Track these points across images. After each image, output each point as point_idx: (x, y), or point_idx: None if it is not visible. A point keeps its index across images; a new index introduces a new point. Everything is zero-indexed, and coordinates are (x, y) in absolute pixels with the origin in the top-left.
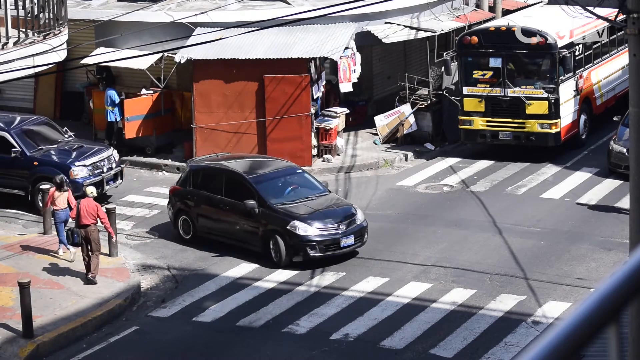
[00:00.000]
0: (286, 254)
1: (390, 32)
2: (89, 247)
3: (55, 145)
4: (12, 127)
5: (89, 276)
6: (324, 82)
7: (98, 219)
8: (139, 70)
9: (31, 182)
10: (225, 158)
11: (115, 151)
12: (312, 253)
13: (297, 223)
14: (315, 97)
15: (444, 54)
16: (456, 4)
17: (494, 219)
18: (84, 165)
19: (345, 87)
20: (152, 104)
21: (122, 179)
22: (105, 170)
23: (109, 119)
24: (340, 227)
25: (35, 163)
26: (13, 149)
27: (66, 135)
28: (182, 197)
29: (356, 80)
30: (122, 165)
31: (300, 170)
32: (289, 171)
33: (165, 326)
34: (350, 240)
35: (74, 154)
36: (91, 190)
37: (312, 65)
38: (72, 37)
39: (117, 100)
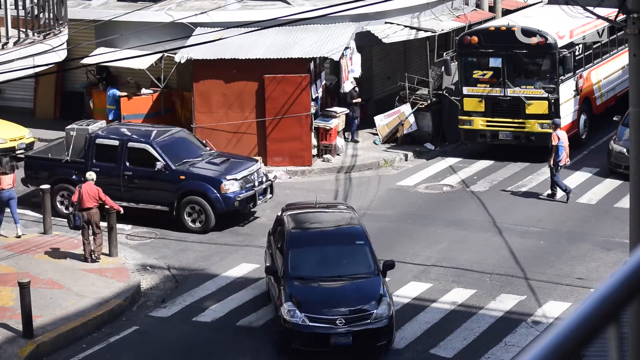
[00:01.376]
0: None
1: (390, 32)
2: (91, 230)
3: (200, 158)
4: (153, 139)
5: (94, 256)
6: (324, 83)
7: (100, 202)
8: (139, 70)
9: (177, 197)
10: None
11: (263, 164)
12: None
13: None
14: (314, 97)
15: (444, 54)
16: (456, 4)
17: (494, 219)
18: (235, 179)
19: (349, 85)
20: (152, 104)
21: (272, 193)
22: (256, 184)
23: (110, 119)
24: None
25: (182, 177)
26: (157, 162)
27: (207, 148)
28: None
29: (353, 81)
30: (271, 179)
31: (362, 242)
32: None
33: (165, 326)
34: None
35: (223, 167)
36: (90, 175)
37: (312, 65)
38: (72, 37)
39: (118, 96)
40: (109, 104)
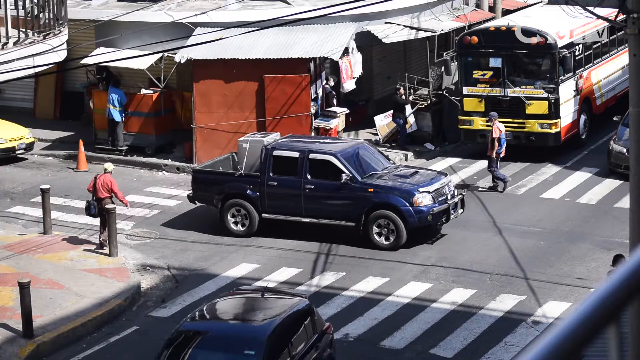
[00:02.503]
0: None
1: (390, 32)
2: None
3: (386, 170)
4: (337, 150)
5: (101, 240)
6: (324, 83)
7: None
8: (139, 70)
9: (365, 211)
10: None
11: (451, 178)
12: None
13: None
14: (314, 96)
15: (444, 54)
16: (456, 4)
17: (494, 219)
18: (428, 192)
19: (350, 85)
20: (152, 103)
21: (463, 208)
22: (449, 197)
23: (116, 119)
24: None
25: (370, 190)
26: (342, 175)
27: (390, 160)
28: None
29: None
30: (463, 193)
31: (252, 353)
32: None
33: (165, 326)
34: None
35: (413, 179)
36: (107, 167)
37: (312, 65)
38: (72, 37)
39: (125, 100)
40: (114, 105)
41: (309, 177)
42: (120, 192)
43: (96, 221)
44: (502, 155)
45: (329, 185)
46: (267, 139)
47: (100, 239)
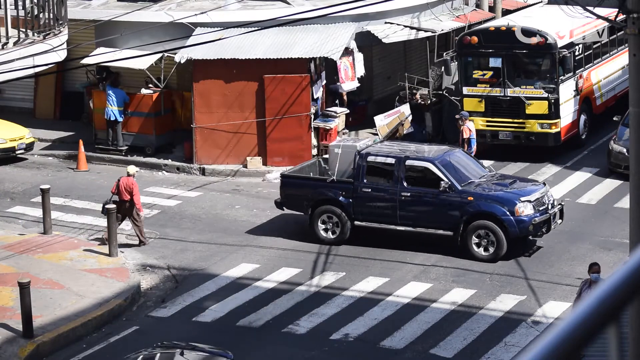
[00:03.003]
0: None
1: (390, 32)
2: (131, 219)
3: (484, 178)
4: (435, 157)
5: (142, 238)
6: (324, 83)
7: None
8: (139, 70)
9: (464, 221)
10: None
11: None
12: None
13: None
14: (315, 97)
15: (444, 54)
16: (456, 4)
17: None
18: (529, 201)
19: (349, 85)
20: (152, 103)
21: (562, 218)
22: (549, 207)
23: (118, 119)
24: None
25: (470, 198)
26: (441, 182)
27: (486, 167)
28: None
29: (357, 82)
30: (562, 203)
31: None
32: None
33: (165, 326)
34: None
35: (513, 187)
36: (130, 170)
37: (312, 65)
38: (72, 37)
39: (128, 98)
40: (118, 105)
41: (405, 184)
42: (137, 196)
43: (96, 221)
44: (473, 155)
45: (427, 193)
46: (360, 144)
47: (141, 237)
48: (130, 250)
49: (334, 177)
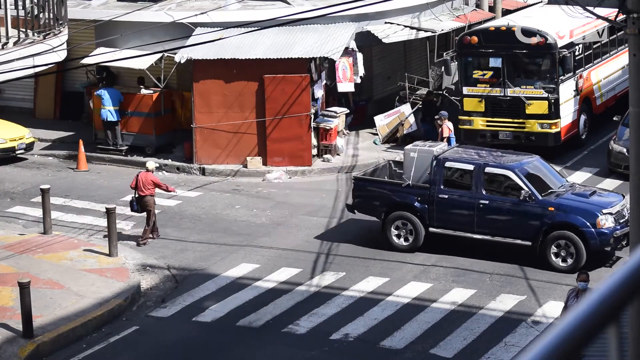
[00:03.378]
0: None
1: (390, 32)
2: (147, 216)
3: (563, 189)
4: (515, 164)
5: (142, 241)
6: (324, 83)
7: (156, 189)
8: (139, 70)
9: (544, 231)
10: None
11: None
12: None
13: None
14: (316, 97)
15: (444, 54)
16: (456, 4)
17: None
18: (610, 214)
19: (346, 86)
20: (152, 103)
21: None
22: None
23: (114, 119)
24: None
25: (551, 208)
26: (521, 191)
27: (564, 177)
28: None
29: (359, 81)
30: None
31: None
32: None
33: (165, 326)
34: None
35: (593, 199)
36: (149, 165)
37: (312, 65)
38: (72, 37)
39: (122, 98)
40: (113, 105)
41: (483, 191)
42: (163, 184)
43: (96, 221)
44: None
45: (506, 201)
46: (437, 148)
47: (143, 237)
48: (130, 250)
49: (410, 182)
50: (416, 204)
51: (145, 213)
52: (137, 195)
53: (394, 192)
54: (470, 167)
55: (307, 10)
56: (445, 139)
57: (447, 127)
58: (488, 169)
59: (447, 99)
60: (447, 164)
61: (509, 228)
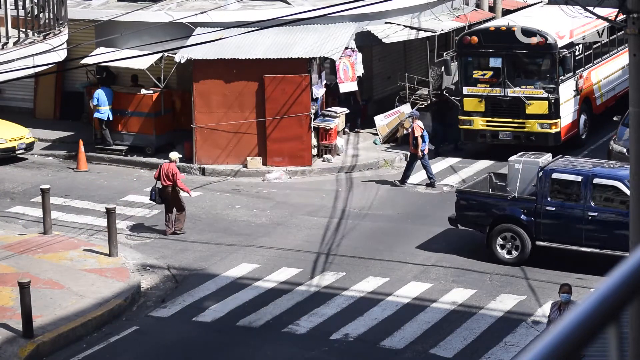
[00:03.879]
0: None
1: (390, 32)
2: (169, 205)
3: None
4: (623, 175)
5: (175, 229)
6: (324, 82)
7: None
8: (139, 70)
9: None
10: None
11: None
12: None
13: None
14: (316, 97)
15: (444, 54)
16: (456, 4)
17: None
18: None
19: (347, 86)
20: (152, 103)
21: None
22: None
23: (104, 118)
24: None
25: None
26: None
27: None
28: None
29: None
30: None
31: None
32: None
33: (165, 326)
34: None
35: None
36: (172, 156)
37: (314, 65)
38: (72, 37)
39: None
40: (110, 104)
41: (592, 203)
42: (180, 181)
43: (96, 221)
44: (425, 152)
45: (616, 213)
46: (542, 160)
47: (168, 225)
48: (130, 250)
49: (516, 195)
50: (522, 216)
51: (165, 204)
52: (160, 186)
53: (499, 204)
54: (578, 178)
55: (307, 10)
56: (417, 138)
57: (418, 126)
58: (597, 180)
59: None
60: (554, 175)
61: (618, 240)
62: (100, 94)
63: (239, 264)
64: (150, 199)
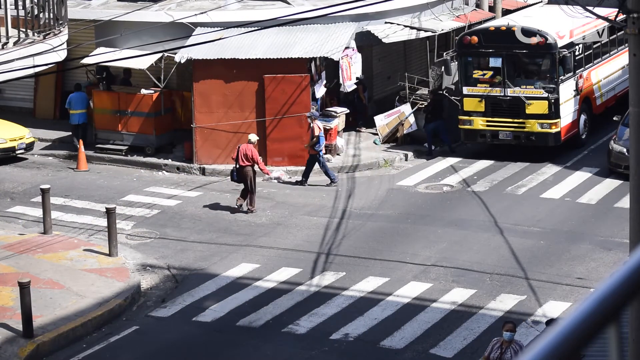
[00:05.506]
0: None
1: (390, 32)
2: (247, 185)
3: None
4: None
5: (244, 208)
6: (324, 82)
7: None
8: (139, 70)
9: None
10: None
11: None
12: None
13: None
14: (317, 97)
15: (444, 54)
16: (456, 4)
17: (494, 218)
18: None
19: (351, 85)
20: (152, 103)
21: None
22: None
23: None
24: None
25: None
26: None
27: None
28: None
29: (357, 80)
30: None
31: None
32: None
33: (165, 326)
34: None
35: None
36: (251, 137)
37: (313, 65)
38: (72, 37)
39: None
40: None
41: None
42: (259, 161)
43: (96, 221)
44: (322, 152)
45: None
46: None
47: (241, 204)
48: (130, 250)
49: None
50: None
51: (244, 184)
52: (237, 166)
53: None
54: None
55: (307, 10)
56: (315, 138)
57: (317, 126)
58: None
59: (447, 99)
60: None
61: None
62: (72, 98)
63: (239, 264)
64: (232, 180)
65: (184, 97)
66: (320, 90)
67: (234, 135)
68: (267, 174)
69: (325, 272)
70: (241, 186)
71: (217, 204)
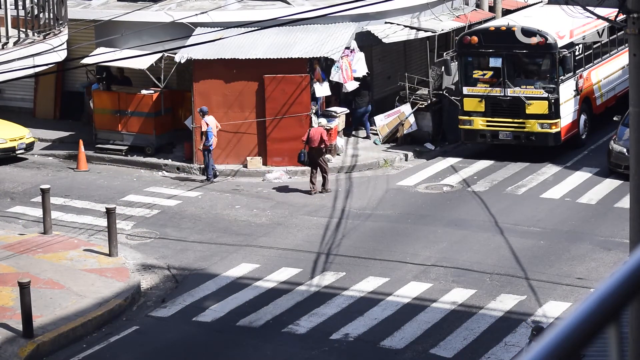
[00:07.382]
0: None
1: (390, 32)
2: (316, 168)
3: None
4: None
5: (323, 189)
6: (325, 82)
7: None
8: (139, 70)
9: None
10: None
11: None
12: None
13: None
14: (318, 96)
15: (444, 54)
16: (456, 4)
17: (494, 218)
18: None
19: (352, 85)
20: (152, 103)
21: None
22: None
23: None
24: None
25: None
26: None
27: None
28: None
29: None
30: None
31: None
32: None
33: (165, 326)
34: None
35: None
36: (321, 121)
37: (316, 65)
38: (72, 37)
39: None
40: None
41: None
42: (328, 141)
43: (96, 221)
44: (212, 148)
45: None
46: None
47: (313, 186)
48: (131, 250)
49: None
50: None
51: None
52: (307, 149)
53: None
54: None
55: (307, 10)
56: (203, 133)
57: (205, 122)
58: None
59: (447, 99)
60: None
61: None
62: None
63: (239, 264)
64: (298, 161)
65: (184, 97)
66: (324, 90)
67: (234, 135)
68: (332, 157)
69: (325, 272)
70: (241, 186)
71: (217, 204)
